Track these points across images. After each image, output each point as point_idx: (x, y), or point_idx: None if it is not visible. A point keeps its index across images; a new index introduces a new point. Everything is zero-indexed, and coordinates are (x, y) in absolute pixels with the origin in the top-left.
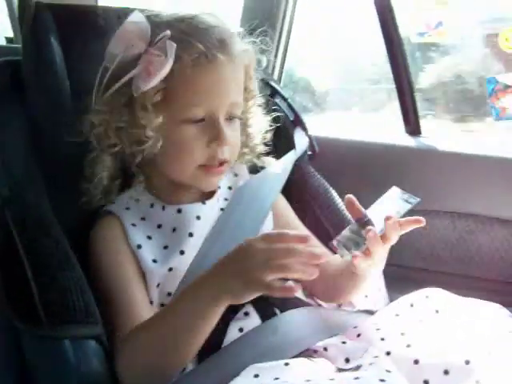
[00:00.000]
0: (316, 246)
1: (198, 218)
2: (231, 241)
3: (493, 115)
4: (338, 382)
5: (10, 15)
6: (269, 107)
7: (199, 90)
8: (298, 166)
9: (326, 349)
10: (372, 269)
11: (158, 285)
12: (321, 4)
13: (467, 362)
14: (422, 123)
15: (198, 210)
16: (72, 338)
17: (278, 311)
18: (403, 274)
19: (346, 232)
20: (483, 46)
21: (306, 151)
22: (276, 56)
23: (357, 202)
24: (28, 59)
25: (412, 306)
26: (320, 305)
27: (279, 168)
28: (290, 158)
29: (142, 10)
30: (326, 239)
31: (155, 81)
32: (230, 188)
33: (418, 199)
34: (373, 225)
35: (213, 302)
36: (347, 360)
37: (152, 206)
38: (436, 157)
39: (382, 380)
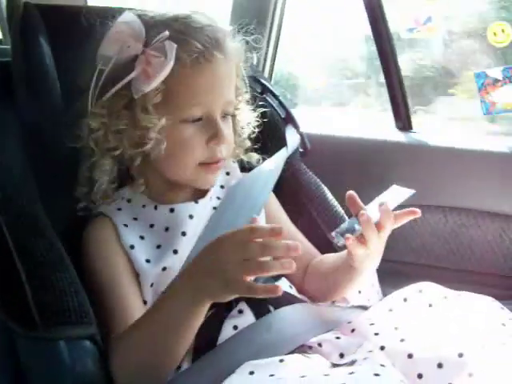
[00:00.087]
0: (304, 244)
1: (191, 217)
2: None
3: (482, 110)
4: (332, 378)
5: None
6: (256, 103)
7: (198, 90)
8: (289, 163)
9: (320, 344)
10: (368, 260)
11: (152, 285)
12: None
13: (460, 355)
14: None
15: (190, 209)
16: (67, 339)
17: (271, 308)
18: (396, 269)
19: (344, 224)
20: (443, 41)
21: (297, 148)
22: (266, 53)
23: (357, 198)
24: (17, 60)
25: (405, 300)
26: (314, 301)
27: (271, 166)
28: (281, 156)
29: (131, 10)
30: (318, 235)
31: (156, 82)
32: (222, 187)
33: (413, 191)
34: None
35: (192, 302)
36: (341, 355)
37: (144, 206)
38: (427, 152)
39: (377, 374)
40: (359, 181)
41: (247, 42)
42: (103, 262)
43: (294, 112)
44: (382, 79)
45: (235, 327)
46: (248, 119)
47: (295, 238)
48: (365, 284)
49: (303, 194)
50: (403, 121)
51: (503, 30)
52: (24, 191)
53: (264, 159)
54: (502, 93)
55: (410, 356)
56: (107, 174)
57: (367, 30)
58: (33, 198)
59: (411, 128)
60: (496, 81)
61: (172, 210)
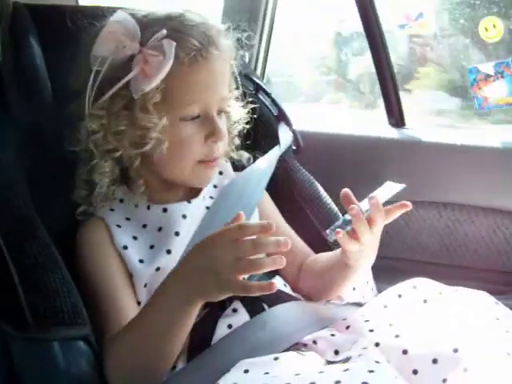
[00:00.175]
0: (298, 242)
1: (184, 216)
2: None
3: (475, 105)
4: (327, 375)
5: None
6: (246, 99)
7: (196, 87)
8: (282, 161)
9: (315, 342)
10: (363, 257)
11: (146, 285)
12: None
13: (455, 351)
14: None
15: (183, 208)
16: (60, 340)
17: (266, 306)
18: (390, 265)
19: (338, 222)
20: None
21: (290, 146)
22: (258, 52)
23: (352, 196)
24: (7, 61)
25: (400, 296)
26: (309, 299)
27: (264, 164)
28: (274, 154)
29: (122, 9)
30: (312, 233)
31: (157, 80)
32: (215, 186)
33: (403, 185)
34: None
35: (184, 303)
36: (336, 352)
37: (136, 206)
38: (420, 148)
39: (371, 371)
40: (353, 178)
41: (238, 40)
42: (96, 264)
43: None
44: (352, 76)
45: (229, 326)
46: (238, 116)
47: (289, 236)
48: (359, 281)
49: (297, 192)
50: (396, 117)
51: (494, 25)
52: (17, 192)
53: (255, 157)
54: (494, 88)
55: (404, 352)
56: (108, 176)
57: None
58: (25, 198)
59: (404, 124)
60: (488, 76)
61: (165, 210)
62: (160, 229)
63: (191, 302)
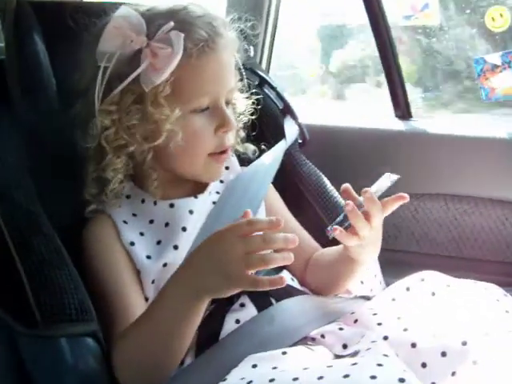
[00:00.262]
0: (305, 237)
1: (191, 212)
2: None
3: (482, 96)
4: (335, 369)
5: None
6: (250, 90)
7: (205, 79)
8: (288, 154)
9: (323, 336)
10: (365, 251)
11: (153, 281)
12: None
13: (464, 343)
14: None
15: (190, 204)
16: (68, 336)
17: (273, 301)
18: (398, 259)
19: (339, 218)
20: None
21: (296, 139)
22: (263, 45)
23: (352, 191)
24: (11, 58)
25: (408, 289)
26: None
27: (270, 159)
28: (280, 148)
29: (125, 4)
30: (319, 227)
31: (167, 72)
32: (221, 181)
33: (398, 176)
34: None
35: (192, 298)
36: (345, 346)
37: (143, 201)
38: (427, 140)
39: (380, 364)
40: (359, 170)
41: (242, 31)
42: (103, 261)
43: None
44: (333, 69)
45: (237, 321)
46: (243, 107)
47: (295, 230)
48: (367, 274)
49: (303, 186)
50: (402, 109)
51: (501, 15)
52: (22, 189)
53: (261, 149)
54: (502, 78)
55: (413, 345)
56: (121, 171)
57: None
58: (31, 195)
59: (411, 116)
60: (495, 66)
61: (172, 206)
62: (167, 224)
63: (199, 298)
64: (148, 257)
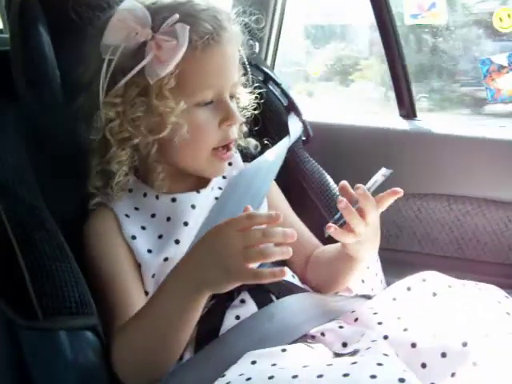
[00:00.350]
0: (306, 234)
1: (193, 207)
2: None
3: (487, 97)
4: (335, 367)
5: None
6: (253, 85)
7: (210, 72)
8: (292, 151)
9: (323, 334)
10: (363, 248)
11: (154, 275)
12: None
13: (464, 345)
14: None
15: (192, 199)
16: (68, 330)
17: (274, 298)
18: (400, 258)
19: (337, 215)
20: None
21: (300, 136)
22: (268, 42)
23: (349, 188)
24: (15, 49)
25: (409, 289)
26: (317, 291)
27: (273, 155)
28: (284, 145)
29: None
30: (321, 224)
31: (172, 65)
32: (224, 177)
33: (390, 170)
34: None
35: (193, 292)
36: (344, 344)
37: (145, 195)
38: (431, 139)
39: (380, 364)
40: (362, 169)
41: (246, 25)
42: (104, 254)
43: None
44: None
45: (237, 317)
46: (246, 101)
47: (297, 227)
48: (368, 273)
49: (306, 183)
50: (407, 109)
51: (509, 15)
52: (24, 182)
53: (263, 144)
54: (508, 79)
55: (413, 345)
56: (126, 164)
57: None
58: (33, 189)
59: (415, 116)
60: (501, 67)
61: (174, 200)
62: (169, 219)
63: (199, 292)
64: (149, 251)
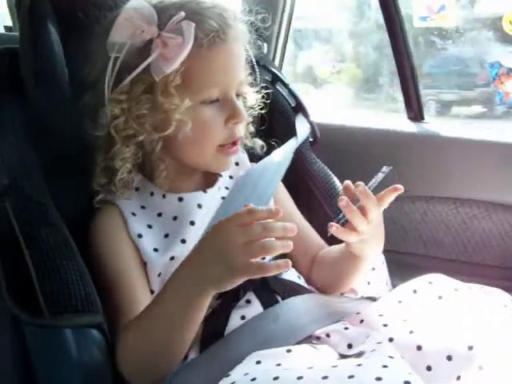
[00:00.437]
0: (312, 234)
1: (200, 206)
2: None
3: (496, 100)
4: (340, 369)
5: (8, 3)
6: (259, 84)
7: (215, 70)
8: (299, 152)
9: (328, 335)
10: (367, 247)
11: (160, 274)
12: None
13: (470, 348)
14: None
15: (199, 198)
16: (73, 327)
17: (279, 298)
18: (406, 261)
19: (341, 215)
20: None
21: (307, 138)
22: (277, 43)
23: (353, 188)
24: (24, 47)
25: (415, 292)
26: (322, 292)
27: (281, 156)
28: (291, 146)
29: None
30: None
31: (178, 62)
32: (231, 177)
33: (390, 167)
34: None
35: (197, 291)
36: (350, 346)
37: (152, 194)
38: (439, 142)
39: (385, 366)
40: (369, 171)
41: (253, 23)
42: (110, 251)
43: None
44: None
45: (243, 317)
46: (253, 101)
47: (303, 227)
48: (374, 275)
49: (312, 184)
50: (415, 111)
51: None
52: (31, 180)
53: (270, 144)
54: None
55: (419, 348)
56: (129, 161)
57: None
58: (40, 186)
59: (423, 118)
60: (510, 70)
61: (181, 199)
62: (175, 218)
63: (204, 290)
64: (155, 249)
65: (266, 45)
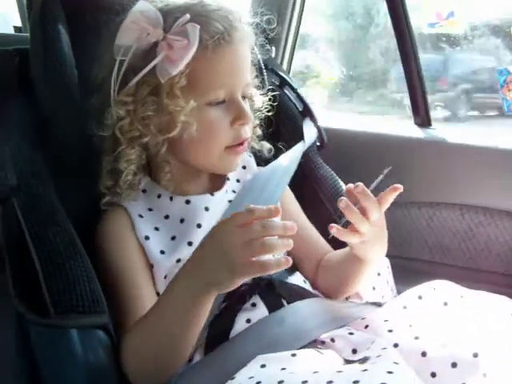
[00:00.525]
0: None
1: (207, 209)
2: None
3: (504, 107)
4: (345, 375)
5: (19, 4)
6: (266, 86)
7: (220, 72)
8: (307, 156)
9: (333, 340)
10: (370, 248)
11: (166, 276)
12: None
13: (475, 355)
14: None
15: (206, 201)
16: (79, 328)
17: (285, 302)
18: (411, 267)
19: (344, 218)
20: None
21: (314, 142)
22: (285, 47)
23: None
24: (35, 48)
25: (420, 298)
26: (328, 297)
27: (288, 160)
28: (298, 150)
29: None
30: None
31: (183, 63)
32: (238, 181)
33: (389, 167)
34: None
35: (199, 292)
36: (354, 351)
37: (159, 196)
38: (445, 148)
39: (390, 372)
40: (375, 176)
41: (258, 25)
42: (117, 253)
43: None
44: None
45: (248, 320)
46: (260, 103)
47: (308, 231)
48: (379, 281)
49: (319, 188)
50: (422, 117)
51: None
52: (40, 180)
53: (277, 148)
54: None
55: (423, 354)
56: (134, 162)
57: None
58: (48, 186)
59: (430, 124)
60: None
61: (188, 202)
62: (182, 220)
63: (205, 291)
64: (162, 252)
65: (274, 48)
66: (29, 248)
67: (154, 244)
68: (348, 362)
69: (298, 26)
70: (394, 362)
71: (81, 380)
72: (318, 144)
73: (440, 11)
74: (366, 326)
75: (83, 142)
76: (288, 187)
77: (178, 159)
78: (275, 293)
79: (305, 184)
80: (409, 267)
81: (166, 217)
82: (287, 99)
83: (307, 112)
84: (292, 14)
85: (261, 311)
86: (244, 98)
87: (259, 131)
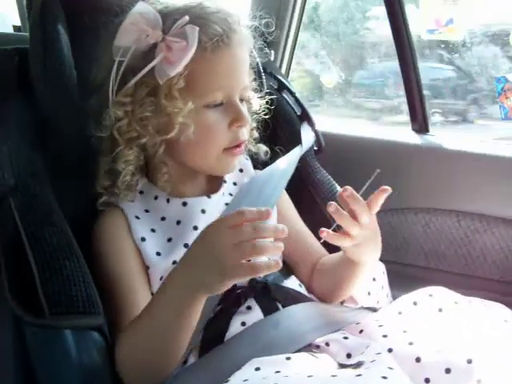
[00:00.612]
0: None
1: (203, 211)
2: None
3: (501, 114)
4: (340, 379)
5: (18, 3)
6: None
7: (219, 74)
8: (304, 161)
9: (327, 344)
10: (363, 252)
11: (161, 278)
12: None
13: (469, 361)
14: None
15: (203, 203)
16: (74, 329)
17: (280, 306)
18: (406, 272)
19: (335, 223)
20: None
21: (312, 146)
22: (284, 50)
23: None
24: (35, 48)
25: (415, 304)
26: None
27: (285, 163)
28: (295, 154)
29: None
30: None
31: (182, 65)
32: (235, 184)
33: (378, 170)
34: None
35: (188, 293)
36: (349, 355)
37: (156, 198)
38: (442, 155)
39: (384, 377)
40: (373, 181)
41: (257, 28)
42: (113, 253)
43: None
44: None
45: (243, 323)
46: (257, 106)
47: (304, 235)
48: (374, 286)
49: (316, 192)
50: (420, 123)
51: None
52: (37, 180)
53: (274, 151)
54: None
55: (417, 360)
56: (132, 163)
57: None
58: (45, 187)
59: (428, 131)
60: None
61: (185, 204)
62: (179, 222)
63: (195, 293)
64: (158, 253)
65: (273, 52)
66: (25, 248)
67: (150, 246)
68: (342, 366)
69: (298, 29)
70: (389, 367)
71: (75, 381)
72: (315, 148)
73: (439, 18)
74: (361, 331)
75: (82, 143)
76: (285, 191)
77: (175, 160)
78: (270, 296)
79: (302, 188)
80: (404, 273)
81: (163, 218)
82: (285, 103)
83: (305, 116)
84: (292, 17)
85: (256, 314)
86: (242, 100)
87: (256, 134)
